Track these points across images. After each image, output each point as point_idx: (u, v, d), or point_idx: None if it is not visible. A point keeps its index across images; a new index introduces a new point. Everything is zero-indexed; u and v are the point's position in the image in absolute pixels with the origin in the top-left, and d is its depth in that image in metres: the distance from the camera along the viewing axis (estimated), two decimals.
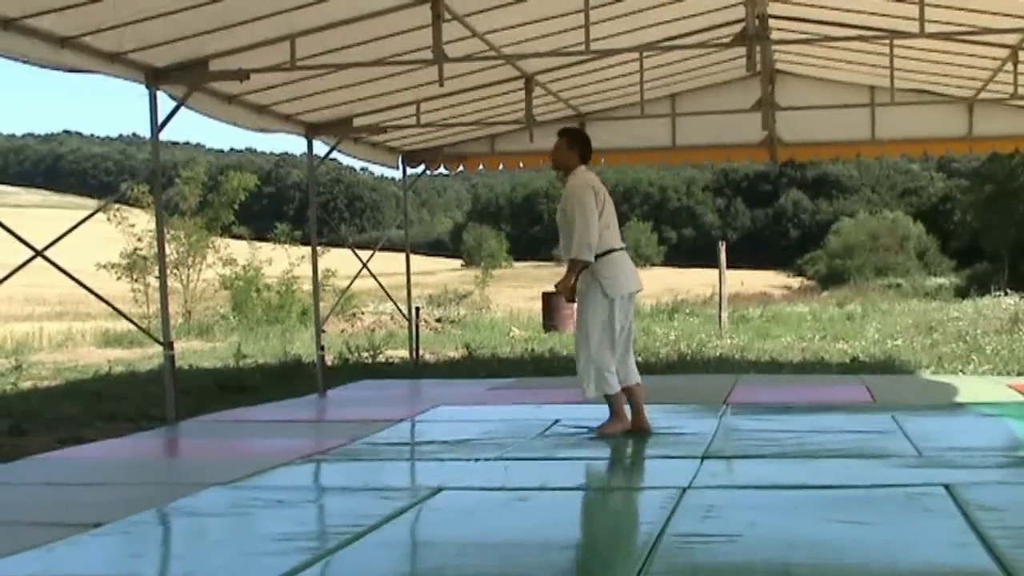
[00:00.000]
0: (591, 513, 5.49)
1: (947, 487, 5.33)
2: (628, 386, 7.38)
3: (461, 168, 14.15)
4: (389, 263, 17.35)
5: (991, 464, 6.19)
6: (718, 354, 15.34)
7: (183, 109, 8.79)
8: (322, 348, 11.31)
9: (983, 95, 12.10)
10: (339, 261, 20.37)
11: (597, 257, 7.14)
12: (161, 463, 7.38)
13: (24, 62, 7.23)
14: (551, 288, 7.54)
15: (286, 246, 28.10)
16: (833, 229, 67.98)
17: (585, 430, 7.49)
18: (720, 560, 4.25)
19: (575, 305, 7.36)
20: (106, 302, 9.26)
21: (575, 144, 7.38)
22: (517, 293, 40.20)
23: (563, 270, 7.29)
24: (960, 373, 12.33)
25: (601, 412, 7.56)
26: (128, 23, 7.45)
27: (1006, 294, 29.06)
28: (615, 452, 6.97)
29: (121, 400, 11.00)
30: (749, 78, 10.68)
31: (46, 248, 7.79)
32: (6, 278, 7.49)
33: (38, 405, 10.80)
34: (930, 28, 8.65)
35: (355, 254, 12.94)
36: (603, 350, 7.23)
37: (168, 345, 8.76)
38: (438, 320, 24.29)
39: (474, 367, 13.84)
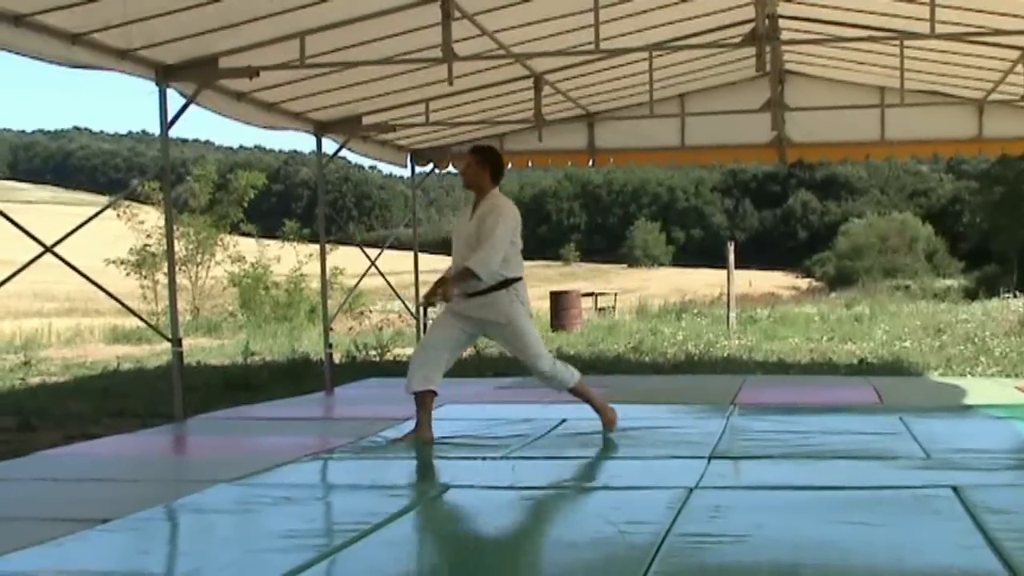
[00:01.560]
0: (597, 513, 5.49)
1: (955, 489, 5.31)
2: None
3: None
4: (397, 261, 17.38)
5: (999, 466, 6.17)
6: (726, 355, 15.33)
7: (192, 106, 8.79)
8: (330, 346, 11.32)
9: (993, 96, 12.07)
10: (347, 259, 20.41)
11: (517, 281, 7.15)
12: (168, 460, 7.39)
13: (35, 58, 7.26)
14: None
15: (294, 244, 28.19)
16: (842, 230, 67.92)
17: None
18: (727, 561, 4.24)
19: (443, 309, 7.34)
20: (115, 299, 9.28)
21: (486, 163, 7.26)
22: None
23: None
24: (968, 375, 12.31)
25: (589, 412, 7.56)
26: (138, 20, 7.47)
27: (1015, 296, 29.03)
28: (622, 452, 6.96)
29: (129, 397, 11.03)
30: (758, 78, 10.67)
31: (55, 244, 7.81)
32: (16, 274, 7.50)
33: (47, 401, 10.83)
34: (940, 29, 8.63)
35: (363, 252, 12.95)
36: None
37: (176, 342, 8.77)
38: None
39: (481, 366, 13.83)
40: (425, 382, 7.26)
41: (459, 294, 7.11)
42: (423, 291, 7.84)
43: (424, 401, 7.35)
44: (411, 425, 7.44)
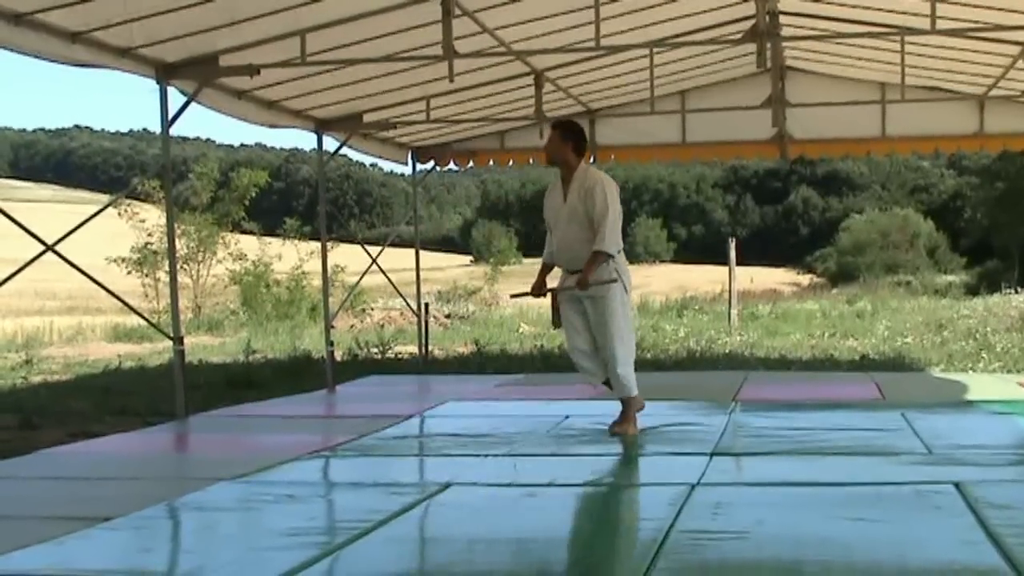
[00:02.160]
0: (600, 509, 5.49)
1: (957, 485, 5.32)
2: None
3: (471, 164, 14.15)
4: (398, 259, 17.35)
5: (1001, 462, 6.18)
6: (727, 351, 15.33)
7: (193, 104, 8.79)
8: (331, 344, 11.32)
9: (994, 92, 12.06)
10: (348, 257, 20.42)
11: (613, 257, 7.13)
12: (170, 458, 7.40)
13: (35, 57, 7.26)
14: (552, 289, 7.47)
15: (296, 242, 28.17)
16: (843, 226, 67.81)
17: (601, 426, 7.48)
18: (729, 557, 4.24)
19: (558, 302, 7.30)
20: (116, 297, 9.28)
21: (568, 136, 7.26)
22: (526, 289, 40.07)
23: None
24: (970, 371, 12.31)
25: (608, 408, 7.55)
26: (138, 18, 7.47)
27: (1016, 292, 28.98)
28: (624, 448, 6.97)
29: (131, 395, 11.03)
30: (759, 75, 10.67)
31: (57, 243, 7.81)
32: (17, 272, 7.51)
33: (48, 399, 10.83)
34: (941, 25, 8.63)
35: (365, 250, 12.95)
36: (632, 348, 7.31)
37: (178, 340, 8.78)
38: (447, 316, 24.30)
39: (483, 363, 13.84)
40: (603, 370, 7.31)
41: (566, 274, 7.21)
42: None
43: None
44: (415, 422, 7.43)
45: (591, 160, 14.12)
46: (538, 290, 7.43)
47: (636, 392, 7.28)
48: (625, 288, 7.18)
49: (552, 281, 7.53)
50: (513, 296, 8.40)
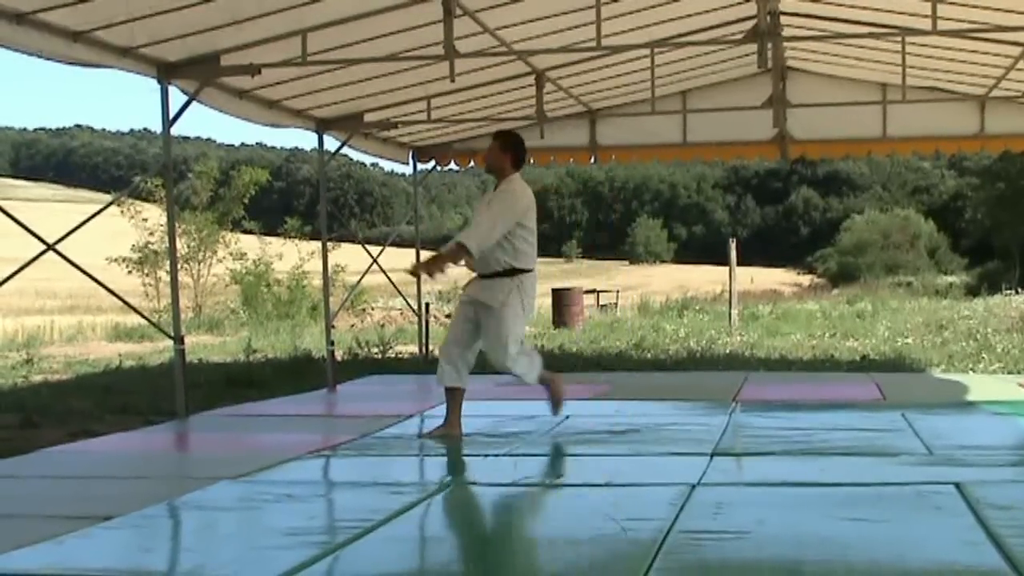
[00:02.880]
0: (600, 509, 5.49)
1: (957, 485, 5.31)
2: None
3: (471, 164, 14.15)
4: (399, 259, 17.33)
5: (1002, 462, 6.18)
6: (728, 351, 15.31)
7: (194, 104, 8.80)
8: (332, 343, 11.32)
9: (995, 93, 12.07)
10: (349, 256, 20.41)
11: (524, 273, 7.15)
12: (171, 457, 7.40)
13: (36, 56, 7.26)
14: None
15: (296, 241, 28.16)
16: (844, 227, 67.85)
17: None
18: (729, 557, 4.24)
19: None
20: (117, 296, 9.28)
21: (508, 147, 7.28)
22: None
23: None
24: (970, 371, 12.30)
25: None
26: (140, 18, 7.47)
27: (1017, 292, 29.00)
28: (624, 448, 6.96)
29: (131, 394, 11.03)
30: (760, 75, 10.67)
31: (58, 242, 7.82)
32: (17, 272, 7.51)
33: (49, 398, 10.83)
34: (943, 25, 8.63)
35: (365, 249, 12.95)
36: (519, 355, 7.30)
37: (178, 339, 8.78)
38: (447, 316, 24.29)
39: (483, 362, 13.82)
40: (455, 378, 7.34)
41: (475, 278, 7.21)
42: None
43: (455, 396, 7.41)
44: (415, 422, 7.44)
45: (591, 160, 14.18)
46: (414, 269, 7.55)
47: (538, 371, 7.41)
48: (524, 308, 7.21)
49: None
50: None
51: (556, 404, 7.66)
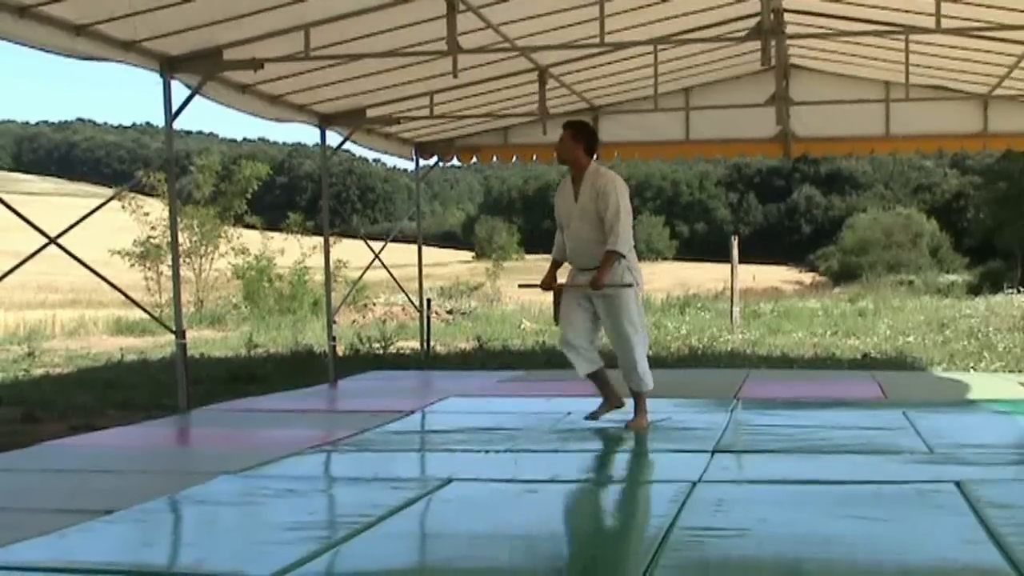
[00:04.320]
0: (601, 506, 5.50)
1: (958, 484, 5.31)
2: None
3: (474, 160, 14.15)
4: (401, 254, 17.36)
5: (1002, 461, 6.18)
6: (729, 349, 15.32)
7: (197, 98, 8.79)
8: (333, 338, 11.33)
9: (998, 92, 12.06)
10: (351, 252, 20.38)
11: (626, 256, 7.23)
12: (172, 451, 7.40)
13: (39, 50, 7.26)
14: (563, 281, 7.56)
15: (298, 236, 28.15)
16: (847, 224, 67.80)
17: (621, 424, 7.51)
18: (730, 554, 4.24)
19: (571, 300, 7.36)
20: (119, 290, 9.28)
21: (580, 137, 7.34)
22: (535, 281, 40.00)
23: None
24: (972, 370, 12.30)
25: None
26: (142, 12, 7.47)
27: (1019, 292, 28.98)
28: (625, 445, 6.97)
29: (133, 388, 11.04)
30: (763, 72, 10.67)
31: (60, 235, 7.82)
32: (19, 265, 7.52)
33: (50, 392, 10.84)
34: (946, 24, 8.62)
35: (367, 245, 12.96)
36: (646, 343, 7.47)
37: (180, 334, 8.79)
38: (449, 312, 24.31)
39: (485, 359, 13.84)
40: (590, 364, 7.42)
41: (573, 274, 7.33)
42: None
43: (599, 377, 7.52)
44: (416, 418, 7.44)
45: (595, 157, 14.15)
46: (547, 285, 7.56)
47: (652, 386, 7.40)
48: (637, 283, 7.28)
49: (561, 278, 7.57)
50: (521, 286, 8.47)
51: (604, 409, 7.61)
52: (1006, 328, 17.80)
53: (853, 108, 12.49)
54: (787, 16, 9.88)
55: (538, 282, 7.69)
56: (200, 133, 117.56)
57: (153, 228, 26.98)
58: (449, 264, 56.56)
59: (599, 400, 7.62)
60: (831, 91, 12.43)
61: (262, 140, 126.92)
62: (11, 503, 5.31)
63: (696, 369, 12.56)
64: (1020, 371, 11.99)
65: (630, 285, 7.18)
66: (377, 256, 12.41)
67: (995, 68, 11.23)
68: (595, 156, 7.47)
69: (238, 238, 28.56)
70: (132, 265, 27.58)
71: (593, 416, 7.54)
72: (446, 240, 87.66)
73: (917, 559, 4.14)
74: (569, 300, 7.40)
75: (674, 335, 17.62)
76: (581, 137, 7.33)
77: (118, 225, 25.62)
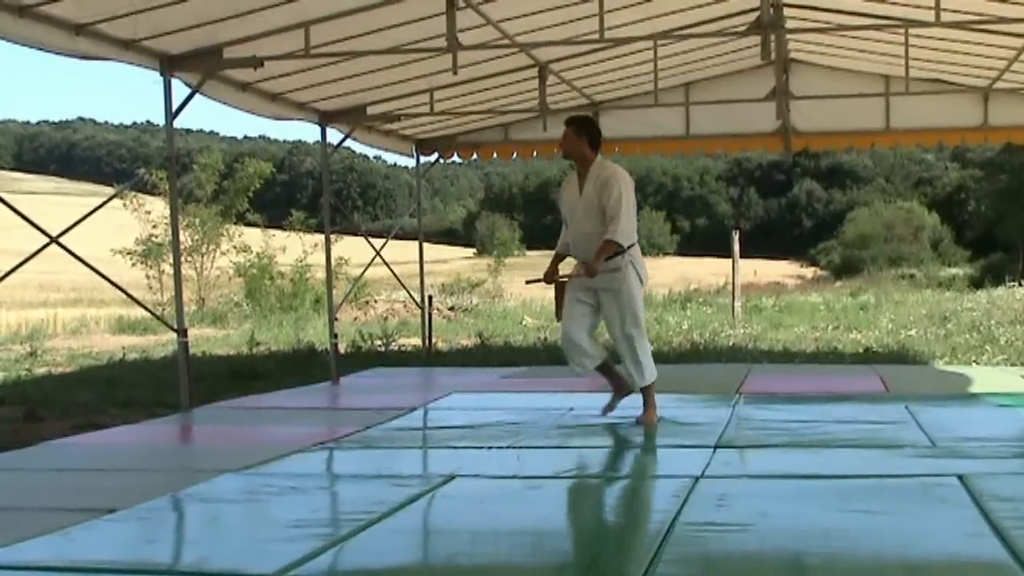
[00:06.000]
0: (604, 501, 5.50)
1: (961, 477, 5.32)
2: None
3: (474, 156, 14.16)
4: (402, 251, 17.37)
5: (1005, 454, 6.17)
6: (731, 344, 15.31)
7: (197, 96, 8.80)
8: (335, 336, 11.33)
9: (998, 84, 12.05)
10: (352, 249, 20.39)
11: (631, 248, 7.27)
12: (175, 449, 7.41)
13: (39, 49, 7.26)
14: (564, 277, 7.58)
15: (299, 234, 28.14)
16: (848, 219, 67.76)
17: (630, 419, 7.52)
18: (732, 549, 4.25)
19: (573, 292, 7.38)
20: (121, 289, 9.29)
21: (583, 131, 7.40)
22: (540, 276, 39.99)
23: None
24: (974, 363, 12.30)
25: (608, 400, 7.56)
26: (142, 10, 7.47)
27: (1020, 284, 28.94)
28: (627, 441, 6.98)
29: (135, 387, 11.04)
30: (763, 67, 10.65)
31: (61, 234, 7.82)
32: (21, 264, 7.52)
33: (53, 391, 10.84)
34: (946, 17, 8.62)
35: (368, 242, 12.96)
36: (646, 337, 7.53)
37: (182, 332, 8.79)
38: (451, 308, 24.31)
39: (487, 355, 13.84)
40: (593, 360, 7.48)
41: (579, 266, 7.34)
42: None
43: (606, 371, 7.58)
44: (419, 414, 7.44)
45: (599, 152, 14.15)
46: (550, 277, 7.60)
47: (656, 375, 7.44)
48: (640, 279, 7.33)
49: (566, 271, 7.62)
50: (528, 282, 8.49)
51: (617, 398, 7.67)
52: (1008, 321, 17.77)
53: (853, 102, 12.49)
54: (787, 10, 9.90)
55: (542, 276, 7.72)
56: (201, 131, 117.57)
57: (154, 226, 26.97)
58: (450, 261, 56.55)
59: (601, 396, 7.63)
60: (831, 85, 12.43)
61: (263, 138, 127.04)
62: (14, 502, 5.31)
63: (698, 364, 12.55)
64: (1022, 364, 11.98)
65: (619, 269, 7.19)
66: (378, 253, 12.41)
67: (995, 61, 11.22)
68: (599, 150, 7.49)
69: (239, 236, 28.57)
70: (134, 264, 27.58)
71: (609, 408, 7.59)
72: (447, 237, 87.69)
73: (920, 553, 4.15)
74: (571, 295, 7.41)
75: (676, 330, 17.61)
76: (585, 132, 7.39)
77: (119, 224, 25.61)
